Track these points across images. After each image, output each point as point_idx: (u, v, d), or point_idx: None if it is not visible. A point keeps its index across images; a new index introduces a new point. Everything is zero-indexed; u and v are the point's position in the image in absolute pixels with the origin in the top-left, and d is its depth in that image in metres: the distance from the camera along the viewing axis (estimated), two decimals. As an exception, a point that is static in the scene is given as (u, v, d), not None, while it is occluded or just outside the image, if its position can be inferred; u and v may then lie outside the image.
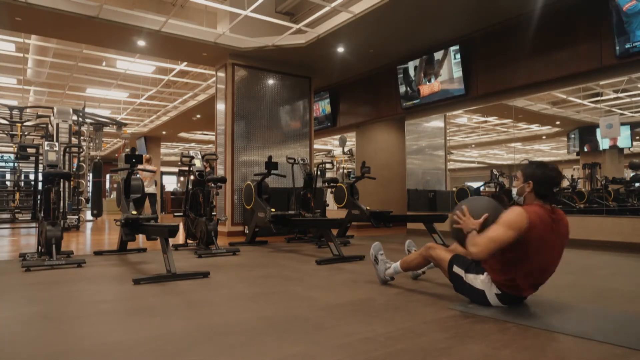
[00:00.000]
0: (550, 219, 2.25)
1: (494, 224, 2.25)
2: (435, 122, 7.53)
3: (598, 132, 5.54)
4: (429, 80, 7.06)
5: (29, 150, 7.65)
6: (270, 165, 5.42)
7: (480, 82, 6.44)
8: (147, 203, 8.50)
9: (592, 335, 1.88)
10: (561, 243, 2.30)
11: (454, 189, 7.22)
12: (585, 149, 6.09)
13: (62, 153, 5.23)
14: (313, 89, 8.12)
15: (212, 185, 4.94)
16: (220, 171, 7.17)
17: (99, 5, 5.50)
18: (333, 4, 5.53)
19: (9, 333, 2.01)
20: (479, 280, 2.36)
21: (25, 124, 8.48)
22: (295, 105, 7.80)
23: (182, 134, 16.11)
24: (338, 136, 10.10)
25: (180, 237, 5.87)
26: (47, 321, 2.19)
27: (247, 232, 6.07)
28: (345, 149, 10.33)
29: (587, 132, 6.10)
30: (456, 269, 2.44)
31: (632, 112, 5.59)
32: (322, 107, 9.61)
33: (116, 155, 15.80)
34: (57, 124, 7.27)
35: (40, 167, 5.46)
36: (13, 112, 8.22)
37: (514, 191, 2.41)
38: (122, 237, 4.63)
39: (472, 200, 2.50)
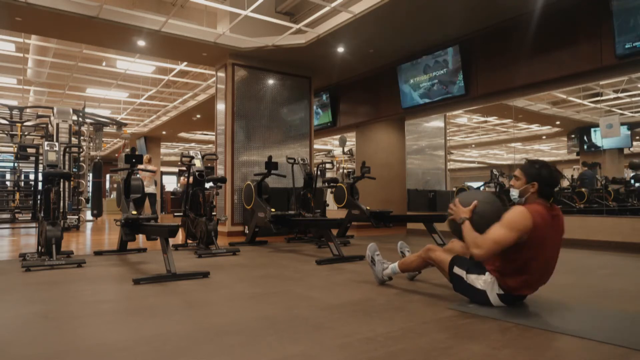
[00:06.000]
0: (550, 216, 2.27)
1: (497, 223, 2.24)
2: (435, 122, 7.53)
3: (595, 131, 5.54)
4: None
5: (29, 150, 7.65)
6: (270, 165, 5.42)
7: (480, 82, 6.43)
8: (147, 203, 8.50)
9: (592, 335, 1.88)
10: (559, 238, 2.33)
11: (454, 189, 7.22)
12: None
13: (62, 153, 5.23)
14: (313, 89, 8.12)
15: (213, 185, 4.94)
16: (220, 171, 7.17)
17: (99, 5, 5.50)
18: (333, 4, 5.53)
19: (9, 333, 2.01)
20: (481, 281, 2.36)
21: (25, 124, 8.47)
22: (295, 105, 7.79)
23: (182, 134, 16.11)
24: (338, 136, 10.11)
25: (180, 237, 5.87)
26: (47, 321, 2.19)
27: (247, 232, 6.07)
28: (345, 149, 10.33)
29: (586, 132, 6.10)
30: (457, 270, 2.45)
31: (632, 112, 5.59)
32: (322, 106, 9.61)
33: (116, 155, 15.78)
34: (57, 124, 7.28)
35: (40, 167, 5.47)
36: (13, 112, 8.22)
37: (514, 192, 2.37)
38: (122, 237, 4.63)
39: (464, 194, 2.54)
